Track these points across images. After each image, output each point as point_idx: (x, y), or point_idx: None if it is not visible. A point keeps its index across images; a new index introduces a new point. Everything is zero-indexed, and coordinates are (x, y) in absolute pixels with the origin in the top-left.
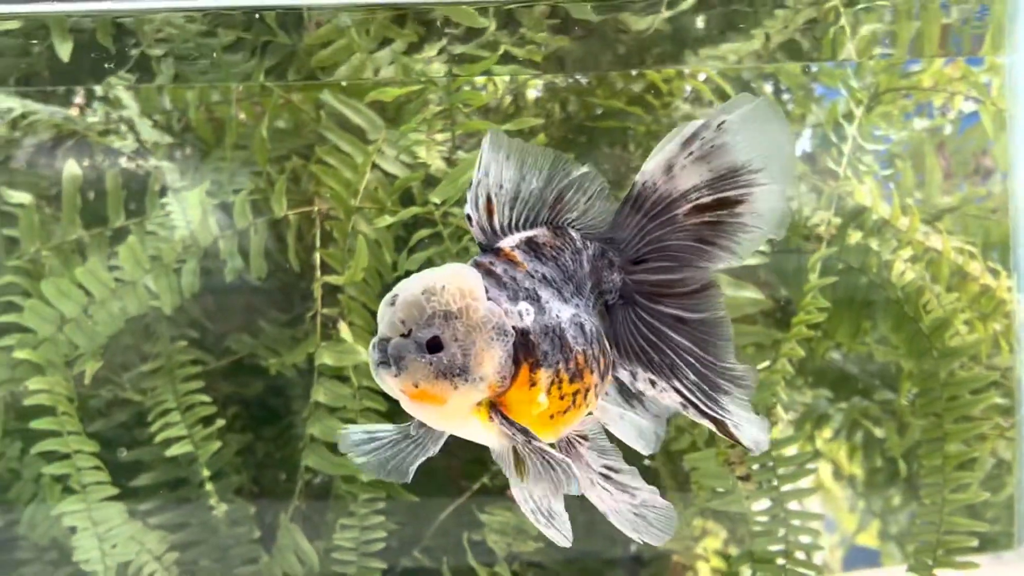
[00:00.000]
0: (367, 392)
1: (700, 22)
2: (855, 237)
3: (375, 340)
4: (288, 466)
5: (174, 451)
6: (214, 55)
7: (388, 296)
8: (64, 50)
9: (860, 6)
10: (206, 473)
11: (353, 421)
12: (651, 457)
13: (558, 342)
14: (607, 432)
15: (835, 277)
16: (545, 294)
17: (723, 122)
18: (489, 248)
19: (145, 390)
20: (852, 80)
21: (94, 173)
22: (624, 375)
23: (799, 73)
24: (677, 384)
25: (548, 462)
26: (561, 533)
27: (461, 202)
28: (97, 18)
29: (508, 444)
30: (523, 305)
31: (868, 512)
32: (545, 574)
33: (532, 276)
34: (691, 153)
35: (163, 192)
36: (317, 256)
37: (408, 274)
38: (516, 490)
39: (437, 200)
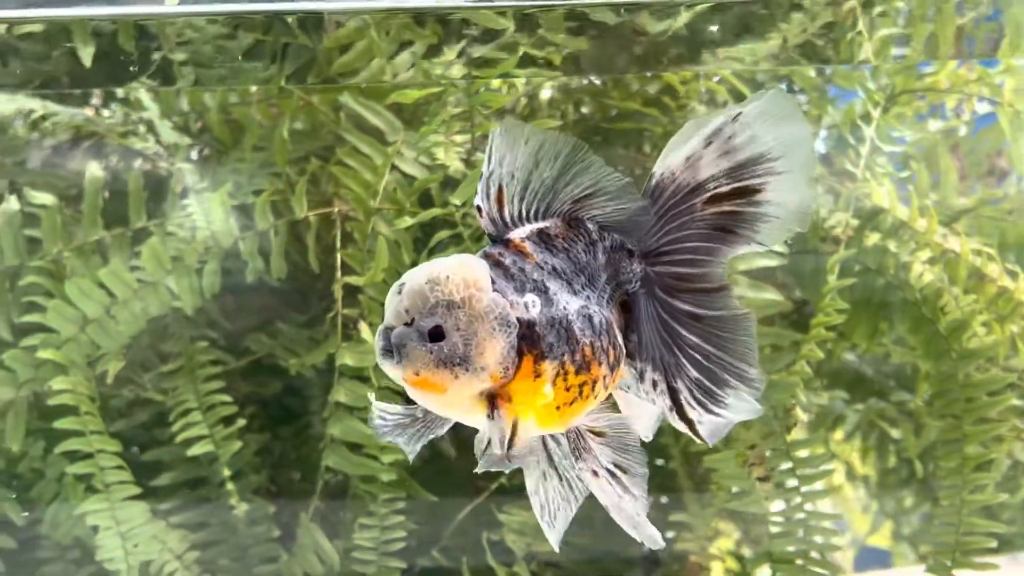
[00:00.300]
0: (387, 392)
1: (716, 25)
2: (873, 239)
3: (381, 328)
4: (306, 466)
5: (195, 451)
6: (238, 58)
7: (395, 285)
8: (87, 54)
9: (877, 9)
10: (227, 473)
11: None
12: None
13: (564, 334)
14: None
15: (853, 279)
16: (553, 286)
17: (739, 114)
18: (499, 239)
19: (166, 390)
20: (869, 82)
21: (114, 174)
22: (637, 369)
23: (814, 75)
24: (677, 383)
25: (512, 460)
26: (556, 535)
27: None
28: (119, 22)
29: (493, 435)
30: (530, 297)
31: (881, 513)
32: (563, 574)
33: (541, 268)
34: (709, 144)
35: (184, 193)
36: (337, 257)
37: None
38: (531, 481)
39: (458, 201)
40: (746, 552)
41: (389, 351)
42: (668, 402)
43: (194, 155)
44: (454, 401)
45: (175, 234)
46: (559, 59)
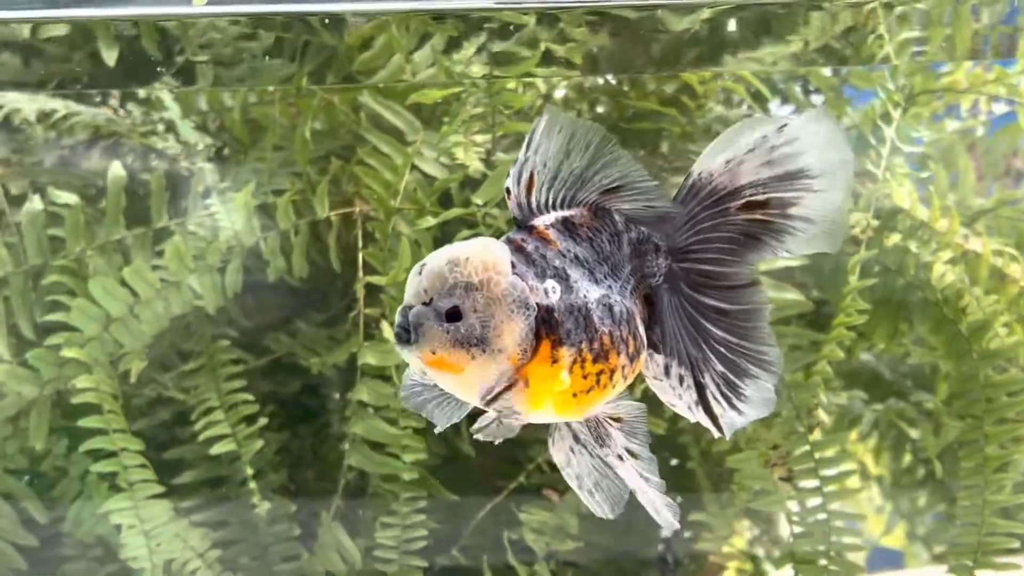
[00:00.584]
0: None
1: (736, 25)
2: (894, 239)
3: (400, 307)
4: (325, 464)
5: (217, 449)
6: (265, 59)
7: (416, 266)
8: (110, 55)
9: (897, 10)
10: (249, 471)
11: (395, 421)
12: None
13: (583, 321)
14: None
15: (874, 279)
16: (575, 274)
17: (785, 125)
18: (523, 225)
19: (187, 389)
20: (888, 82)
21: (134, 174)
22: (662, 363)
23: (830, 76)
24: (704, 378)
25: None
26: (603, 506)
27: (503, 203)
28: (141, 23)
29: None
30: (550, 283)
31: (895, 513)
32: (582, 573)
33: (563, 255)
34: (752, 150)
35: (206, 193)
36: (359, 256)
37: None
38: (560, 455)
39: (480, 201)
40: (761, 551)
41: (406, 330)
42: (695, 397)
43: (214, 155)
44: (471, 381)
45: (196, 233)
46: (579, 57)
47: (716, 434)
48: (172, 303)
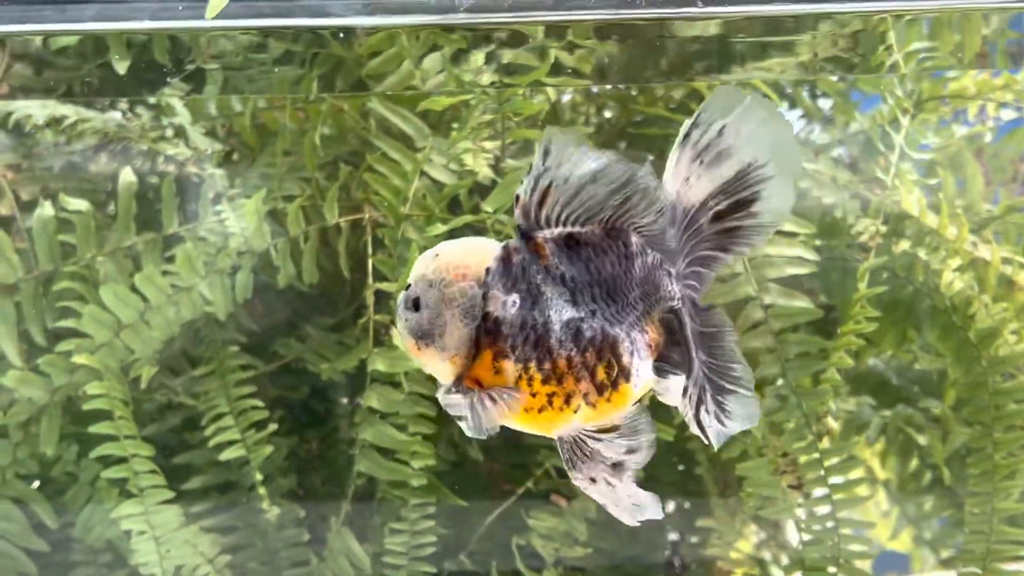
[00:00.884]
0: (418, 398)
1: (745, 34)
2: (903, 246)
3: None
4: (333, 470)
5: (227, 455)
6: (269, 65)
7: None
8: (122, 65)
9: (907, 17)
10: (259, 477)
11: (404, 427)
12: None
13: (535, 340)
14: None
15: (884, 287)
16: (551, 292)
17: (723, 127)
18: (525, 234)
19: (197, 394)
20: (897, 88)
21: (144, 180)
22: (681, 384)
23: (838, 82)
24: (709, 395)
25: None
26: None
27: (512, 210)
28: (153, 33)
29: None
30: (512, 297)
31: (902, 518)
32: None
33: (548, 271)
34: (701, 162)
35: (216, 199)
36: (368, 263)
37: None
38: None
39: (490, 208)
40: (768, 557)
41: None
42: (694, 414)
43: (223, 160)
44: (428, 367)
45: (206, 239)
46: (589, 67)
47: (706, 442)
48: (182, 309)
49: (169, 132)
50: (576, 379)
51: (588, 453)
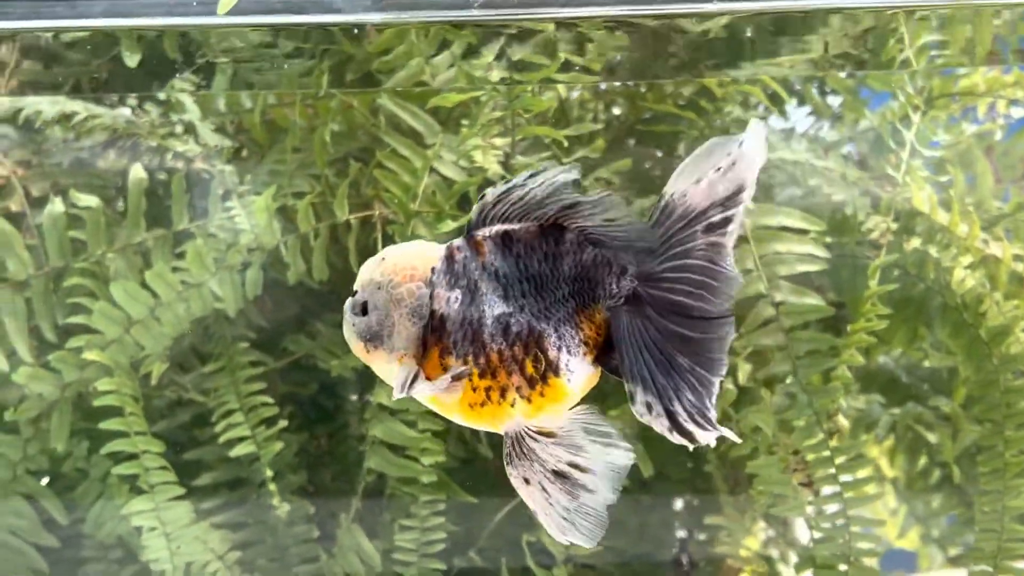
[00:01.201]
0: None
1: (755, 31)
2: (914, 243)
3: None
4: (342, 466)
5: (238, 451)
6: (285, 66)
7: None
8: (132, 60)
9: (918, 13)
10: (269, 473)
11: (414, 424)
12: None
13: (471, 335)
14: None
15: (895, 284)
16: (486, 288)
17: (742, 143)
18: (468, 233)
19: (206, 391)
20: (908, 85)
21: (155, 175)
22: (627, 389)
23: (847, 78)
24: (676, 407)
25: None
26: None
27: None
28: (164, 29)
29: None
30: (456, 292)
31: (910, 515)
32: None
33: (485, 268)
34: (719, 169)
35: (226, 195)
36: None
37: None
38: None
39: None
40: (776, 554)
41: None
42: (667, 423)
43: (233, 157)
44: (378, 369)
45: (216, 236)
46: (599, 65)
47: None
48: (192, 305)
49: (179, 128)
50: (508, 372)
51: (525, 451)
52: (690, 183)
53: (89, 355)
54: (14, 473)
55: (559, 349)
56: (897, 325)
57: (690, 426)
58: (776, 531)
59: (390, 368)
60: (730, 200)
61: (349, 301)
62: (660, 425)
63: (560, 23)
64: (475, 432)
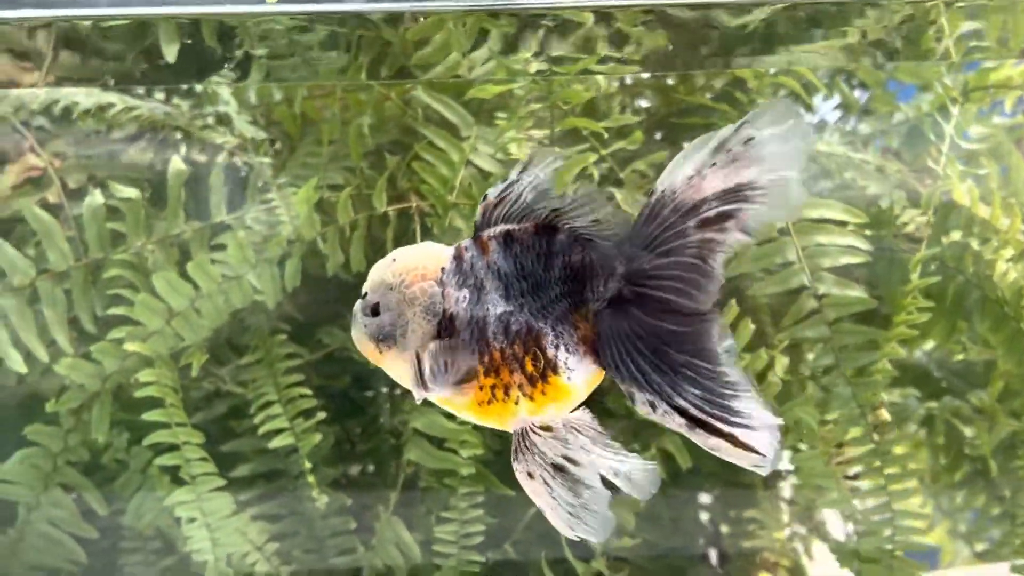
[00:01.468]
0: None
1: (789, 21)
2: (954, 236)
3: None
4: (377, 458)
5: (277, 443)
6: (314, 51)
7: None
8: (170, 51)
9: (958, 4)
10: (307, 465)
11: (453, 416)
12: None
13: (476, 334)
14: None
15: (935, 277)
16: (490, 286)
17: (751, 139)
18: (476, 233)
19: (244, 382)
20: (945, 77)
21: (193, 168)
22: (624, 390)
23: (877, 71)
24: (680, 402)
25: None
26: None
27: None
28: (201, 18)
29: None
30: (464, 292)
31: (937, 510)
32: (632, 569)
33: (489, 267)
34: (714, 164)
35: (265, 187)
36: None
37: None
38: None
39: None
40: (815, 549)
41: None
42: (681, 420)
43: (271, 149)
44: (391, 369)
45: (254, 228)
46: (638, 58)
47: (752, 462)
48: (232, 297)
49: (215, 120)
50: (509, 371)
51: (528, 445)
52: (682, 178)
53: (131, 346)
54: (54, 464)
55: (556, 348)
56: (936, 318)
57: (706, 418)
58: (810, 525)
59: (404, 367)
60: (730, 195)
61: (359, 303)
62: (673, 423)
63: (599, 14)
64: None
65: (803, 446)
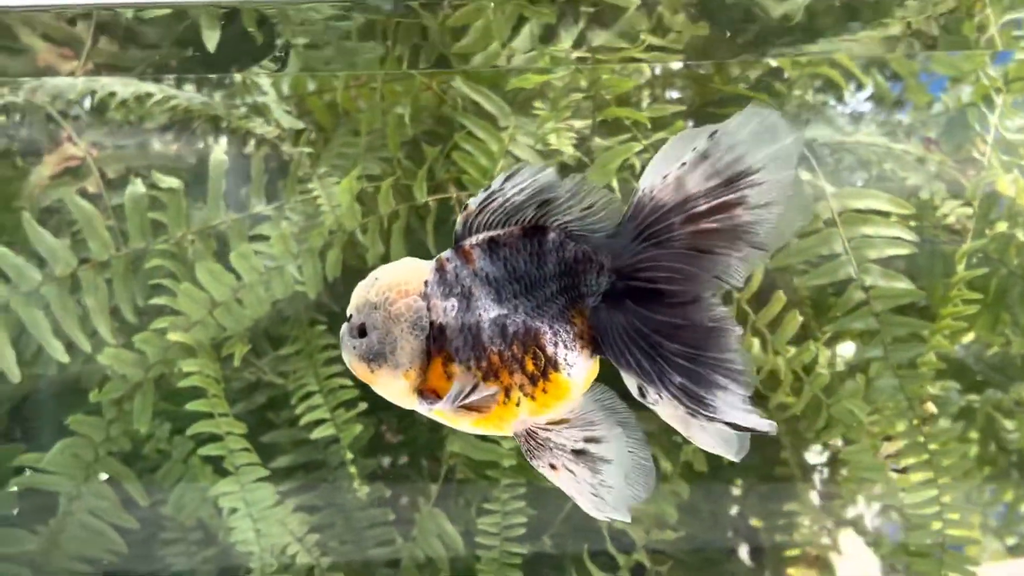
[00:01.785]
0: None
1: (831, 10)
2: (999, 227)
3: None
4: (415, 449)
5: (318, 434)
6: (360, 46)
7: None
8: (211, 38)
9: None
10: (349, 456)
11: None
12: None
13: (471, 340)
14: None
15: (981, 269)
16: (479, 292)
17: (715, 132)
18: (456, 243)
19: (284, 373)
20: (989, 67)
21: (233, 158)
22: (631, 383)
23: (912, 62)
24: (672, 390)
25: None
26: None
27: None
28: (241, 6)
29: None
30: (451, 301)
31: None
32: (669, 561)
33: (476, 274)
34: (683, 164)
35: (305, 178)
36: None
37: None
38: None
39: None
40: (852, 540)
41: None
42: (683, 407)
43: (311, 139)
44: (385, 392)
45: (293, 219)
46: (681, 46)
47: (763, 427)
48: (274, 287)
49: (253, 110)
50: (509, 372)
51: (541, 442)
52: (659, 178)
53: (174, 336)
54: (96, 454)
55: (555, 345)
56: (979, 311)
57: (690, 412)
58: (848, 519)
59: (398, 384)
60: (719, 190)
61: (345, 326)
62: (677, 410)
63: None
64: None
65: (846, 440)
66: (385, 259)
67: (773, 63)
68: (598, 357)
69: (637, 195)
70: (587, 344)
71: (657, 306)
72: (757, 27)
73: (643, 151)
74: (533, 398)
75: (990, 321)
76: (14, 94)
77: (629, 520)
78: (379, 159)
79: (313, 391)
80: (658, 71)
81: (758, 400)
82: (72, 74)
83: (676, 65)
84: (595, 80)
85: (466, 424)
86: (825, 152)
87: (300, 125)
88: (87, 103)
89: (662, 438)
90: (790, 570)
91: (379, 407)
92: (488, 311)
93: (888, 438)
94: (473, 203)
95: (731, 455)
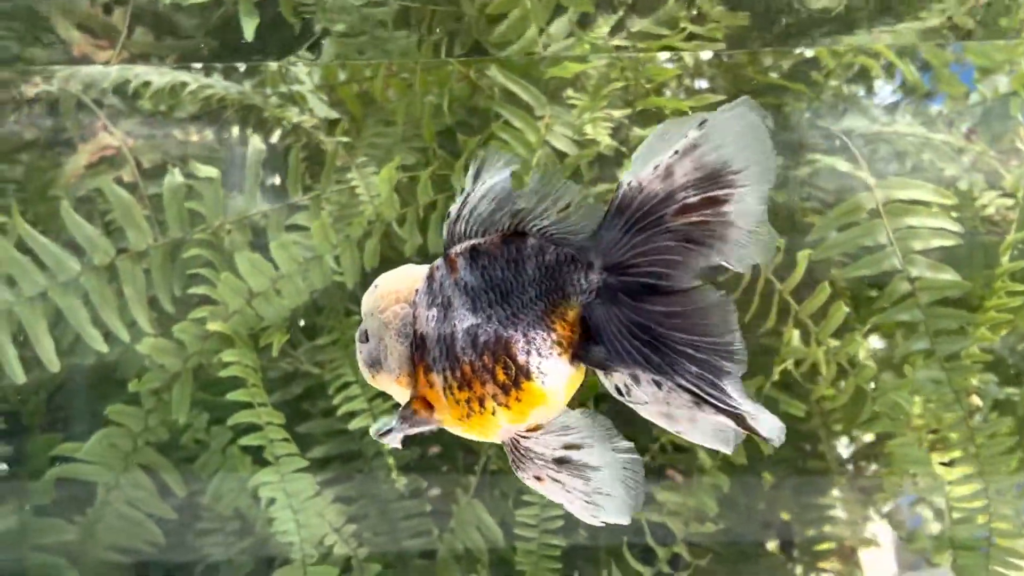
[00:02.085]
0: None
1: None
2: None
3: None
4: (444, 441)
5: (356, 424)
6: (394, 35)
7: None
8: (249, 26)
9: None
10: (387, 447)
11: None
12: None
13: (445, 349)
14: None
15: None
16: (457, 302)
17: (704, 121)
18: (444, 251)
19: (320, 363)
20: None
21: (271, 147)
22: (624, 379)
23: (944, 52)
24: (681, 381)
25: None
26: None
27: None
28: None
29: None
30: (432, 311)
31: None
32: (709, 554)
33: (456, 284)
34: (676, 153)
35: (343, 168)
36: None
37: None
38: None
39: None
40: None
41: None
42: (688, 398)
43: (346, 129)
44: (390, 392)
45: (326, 209)
46: (720, 34)
47: (763, 434)
48: (313, 277)
49: (288, 100)
50: (481, 382)
51: (523, 452)
52: (648, 170)
53: (213, 326)
54: (134, 444)
55: (528, 353)
56: (1021, 304)
57: (718, 398)
58: (884, 512)
59: (395, 389)
60: (707, 182)
61: (357, 331)
62: (681, 401)
63: None
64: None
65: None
66: (423, 250)
67: (809, 53)
68: (580, 364)
69: (622, 189)
70: (566, 350)
71: (655, 297)
72: (794, 18)
73: None
74: (508, 407)
75: None
76: (48, 83)
77: (628, 523)
78: (412, 149)
79: (350, 381)
80: (700, 57)
81: (800, 393)
82: (107, 63)
83: (707, 55)
84: (635, 68)
85: (455, 429)
86: (860, 143)
87: (335, 115)
88: (123, 92)
89: None
90: (822, 564)
91: None
92: (462, 321)
93: (935, 431)
94: (452, 211)
95: (726, 448)
